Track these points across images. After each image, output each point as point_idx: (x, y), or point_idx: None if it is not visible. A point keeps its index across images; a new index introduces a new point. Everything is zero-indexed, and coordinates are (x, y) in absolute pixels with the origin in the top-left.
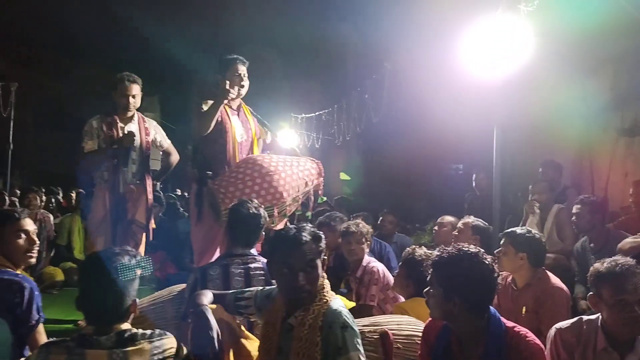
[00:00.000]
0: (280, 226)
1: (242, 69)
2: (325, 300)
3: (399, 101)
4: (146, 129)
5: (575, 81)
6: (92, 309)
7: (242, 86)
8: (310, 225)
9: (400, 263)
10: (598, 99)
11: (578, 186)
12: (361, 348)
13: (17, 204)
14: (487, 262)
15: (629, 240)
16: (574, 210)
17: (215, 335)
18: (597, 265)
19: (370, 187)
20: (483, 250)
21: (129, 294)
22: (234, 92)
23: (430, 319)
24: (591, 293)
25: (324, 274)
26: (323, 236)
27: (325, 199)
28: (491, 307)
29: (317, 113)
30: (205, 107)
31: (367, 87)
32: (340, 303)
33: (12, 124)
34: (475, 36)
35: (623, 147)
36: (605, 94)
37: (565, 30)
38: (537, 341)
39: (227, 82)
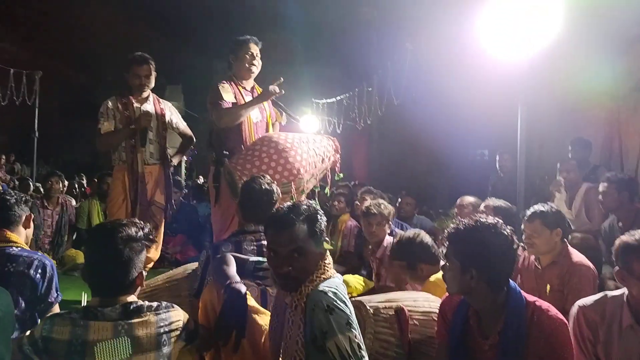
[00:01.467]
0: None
1: (255, 49)
2: (315, 281)
3: (421, 83)
4: (161, 110)
5: (606, 60)
6: (97, 280)
7: (254, 65)
8: (310, 203)
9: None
10: (629, 79)
11: (607, 168)
12: (355, 330)
13: (41, 189)
14: (506, 233)
15: None
16: (601, 188)
17: (246, 315)
18: (624, 237)
19: (392, 171)
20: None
21: (135, 265)
22: (279, 92)
23: (447, 294)
24: (617, 268)
25: (324, 253)
26: (321, 216)
27: (342, 175)
28: (511, 281)
29: (338, 97)
30: (222, 92)
31: (388, 69)
32: (335, 282)
33: (37, 112)
34: (501, 12)
35: None
36: (636, 74)
37: (595, 6)
38: (560, 316)
39: (275, 86)
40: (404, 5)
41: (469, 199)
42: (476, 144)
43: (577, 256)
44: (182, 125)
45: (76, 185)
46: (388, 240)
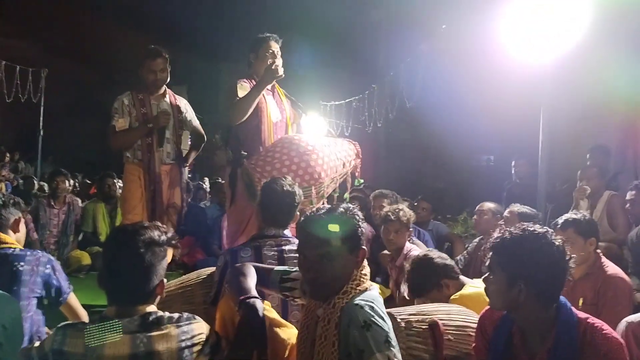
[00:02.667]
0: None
1: (275, 47)
2: (350, 293)
3: (433, 86)
4: (178, 107)
5: (622, 65)
6: (115, 288)
7: (276, 64)
8: (349, 207)
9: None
10: None
11: (621, 173)
12: (394, 347)
13: (46, 188)
14: (557, 243)
15: None
16: (628, 196)
17: (264, 332)
18: None
19: (400, 176)
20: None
21: (156, 272)
22: (281, 73)
23: (486, 307)
24: None
25: (361, 263)
26: (358, 221)
27: (362, 181)
28: (561, 296)
29: (347, 100)
30: (240, 90)
31: (400, 71)
32: (372, 295)
33: (42, 109)
34: (522, 14)
35: None
36: None
37: (614, 9)
38: (616, 335)
39: (276, 63)
40: (416, 6)
41: (489, 205)
42: (482, 150)
43: (613, 268)
44: (196, 123)
45: (77, 184)
46: (408, 247)
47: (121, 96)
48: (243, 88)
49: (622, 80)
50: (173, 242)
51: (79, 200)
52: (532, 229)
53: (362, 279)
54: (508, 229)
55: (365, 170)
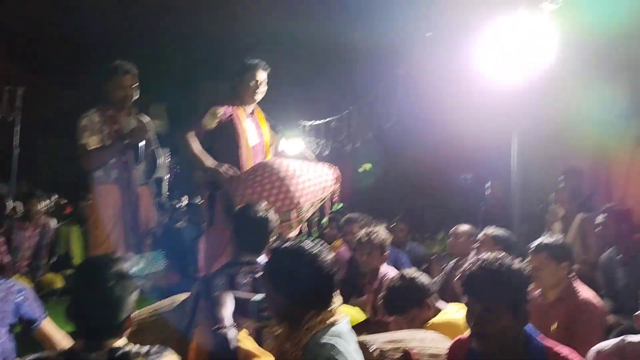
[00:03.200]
0: (295, 232)
1: (262, 75)
2: (314, 329)
3: (410, 108)
4: (144, 124)
5: (593, 87)
6: (83, 321)
7: (259, 93)
8: (313, 240)
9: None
10: (616, 107)
11: (595, 195)
12: None
13: (20, 209)
14: (522, 268)
15: None
16: (599, 219)
17: None
18: None
19: (379, 195)
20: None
21: (126, 306)
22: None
23: (458, 337)
24: (638, 313)
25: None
26: (316, 256)
27: (341, 205)
28: (528, 324)
29: (326, 120)
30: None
31: (378, 93)
32: (338, 330)
33: (18, 128)
34: (493, 38)
35: None
36: (623, 101)
37: (583, 33)
38: None
39: (258, 77)
40: (395, 28)
41: (464, 228)
42: (460, 169)
43: (586, 292)
44: (156, 143)
45: (52, 205)
46: (384, 270)
47: (88, 114)
48: (214, 114)
49: (592, 104)
50: (146, 273)
51: (54, 222)
52: (497, 258)
53: (327, 314)
54: (475, 260)
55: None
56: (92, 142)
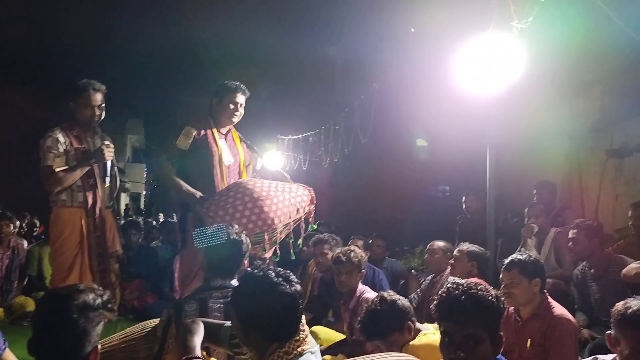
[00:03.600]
0: (269, 254)
1: (241, 99)
2: (282, 358)
3: (387, 122)
4: (110, 145)
5: (564, 102)
6: (46, 354)
7: (236, 116)
8: (278, 272)
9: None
10: (586, 120)
11: (568, 208)
12: None
13: None
14: (498, 295)
15: (634, 266)
16: (570, 235)
17: None
18: (621, 305)
19: (357, 209)
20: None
21: (90, 339)
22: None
23: None
24: (610, 332)
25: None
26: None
27: (316, 227)
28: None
29: (304, 135)
30: (183, 137)
31: (355, 108)
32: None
33: None
34: (466, 55)
35: (612, 168)
36: (593, 115)
37: (554, 50)
38: None
39: (237, 100)
40: (371, 45)
41: (439, 244)
42: (437, 181)
43: (559, 309)
44: (116, 163)
45: (24, 225)
46: (361, 289)
47: (52, 133)
48: (187, 135)
49: (564, 118)
50: (109, 305)
51: (25, 243)
52: (473, 285)
53: (293, 344)
54: (447, 289)
55: (323, 204)
56: (57, 163)
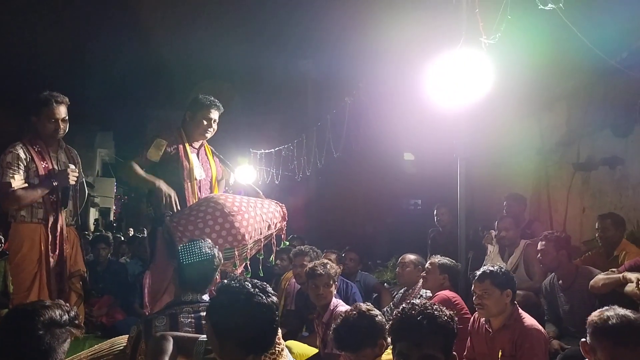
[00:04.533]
0: (240, 270)
1: (215, 115)
2: None
3: (359, 136)
4: (73, 159)
5: (532, 116)
6: None
7: (209, 132)
8: (255, 283)
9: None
10: (553, 134)
11: (537, 220)
12: None
13: None
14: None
15: (601, 277)
16: (539, 246)
17: None
18: (597, 315)
19: (330, 222)
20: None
21: (55, 356)
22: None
23: None
24: (585, 340)
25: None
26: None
27: (288, 243)
28: None
29: (276, 148)
30: (153, 149)
31: (327, 122)
32: None
33: None
34: (436, 69)
35: (579, 181)
36: (560, 129)
37: (521, 65)
38: None
39: (210, 116)
40: (343, 60)
41: (410, 257)
42: (410, 194)
43: (529, 320)
44: (82, 176)
45: None
46: (335, 302)
47: (12, 148)
48: (158, 148)
49: (532, 131)
50: (76, 322)
51: None
52: (429, 306)
53: (268, 358)
54: (403, 308)
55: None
56: (17, 181)
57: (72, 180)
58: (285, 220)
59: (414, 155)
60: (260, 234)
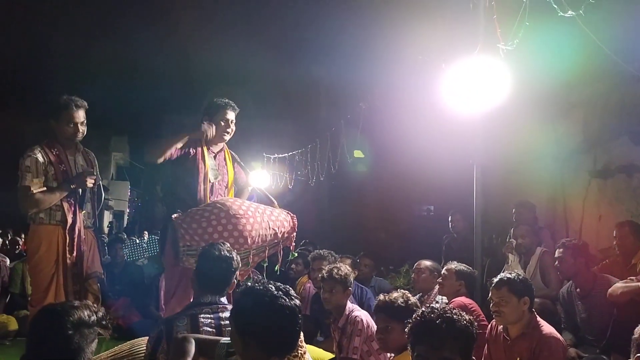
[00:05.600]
0: (242, 277)
1: (231, 115)
2: None
3: (373, 141)
4: (91, 162)
5: (548, 123)
6: None
7: (228, 133)
8: (278, 286)
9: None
10: (570, 142)
11: (552, 228)
12: None
13: None
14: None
15: (619, 285)
16: (557, 254)
17: None
18: None
19: (343, 227)
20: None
21: (84, 356)
22: (210, 134)
23: None
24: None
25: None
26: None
27: (296, 255)
28: None
29: (290, 153)
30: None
31: (341, 127)
32: None
33: None
34: (453, 76)
35: (596, 189)
36: (576, 137)
37: (538, 72)
38: None
39: (211, 127)
40: (359, 65)
41: (426, 263)
42: (422, 201)
43: (548, 328)
44: (99, 180)
45: (7, 242)
46: (350, 307)
47: (31, 152)
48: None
49: (548, 139)
50: (104, 322)
51: (7, 261)
52: (441, 309)
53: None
54: (425, 311)
55: (309, 223)
56: (36, 184)
57: (89, 183)
58: (295, 232)
59: (428, 161)
60: (266, 240)
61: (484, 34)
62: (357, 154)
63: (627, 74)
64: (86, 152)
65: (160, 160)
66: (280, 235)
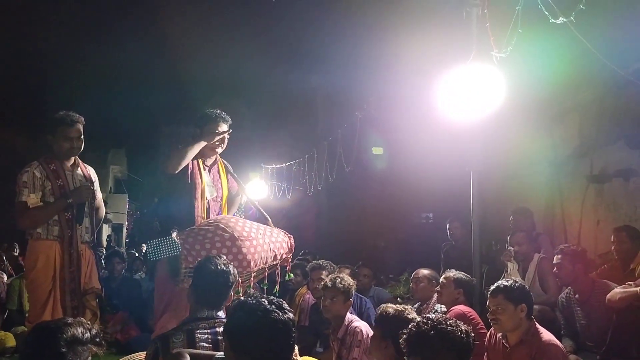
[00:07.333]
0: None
1: (224, 127)
2: None
3: (370, 150)
4: (89, 176)
5: (544, 128)
6: None
7: (220, 146)
8: (271, 300)
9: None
10: (566, 147)
11: (550, 233)
12: None
13: None
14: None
15: (618, 291)
16: (555, 260)
17: None
18: None
19: (341, 237)
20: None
21: None
22: (221, 138)
23: None
24: None
25: None
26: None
27: (292, 275)
28: None
29: (287, 163)
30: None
31: (339, 137)
32: None
33: None
34: (447, 83)
35: (593, 194)
36: (572, 142)
37: (533, 78)
38: None
39: (219, 129)
40: (354, 75)
41: (424, 272)
42: (421, 208)
43: (547, 335)
44: (99, 196)
45: (4, 258)
46: (350, 318)
47: (29, 167)
48: None
49: (544, 144)
50: (97, 339)
51: (4, 276)
52: (435, 321)
53: None
54: (420, 322)
55: (307, 232)
56: (32, 199)
57: (85, 197)
58: (292, 252)
59: (426, 169)
60: (266, 263)
61: (477, 42)
62: (377, 150)
63: (620, 79)
64: (85, 167)
65: (179, 170)
66: (279, 257)
